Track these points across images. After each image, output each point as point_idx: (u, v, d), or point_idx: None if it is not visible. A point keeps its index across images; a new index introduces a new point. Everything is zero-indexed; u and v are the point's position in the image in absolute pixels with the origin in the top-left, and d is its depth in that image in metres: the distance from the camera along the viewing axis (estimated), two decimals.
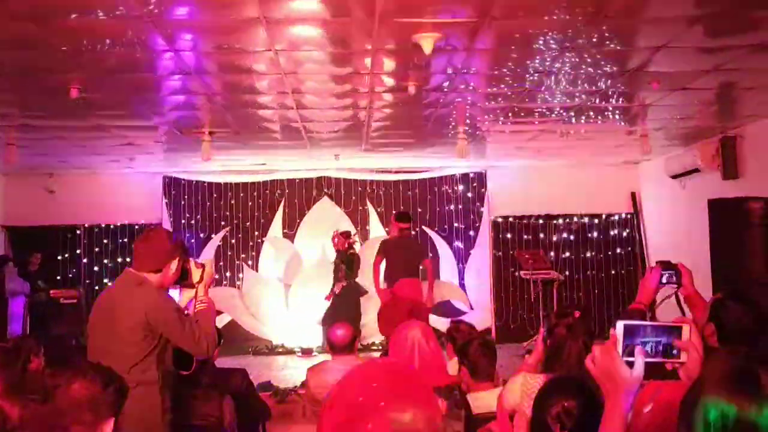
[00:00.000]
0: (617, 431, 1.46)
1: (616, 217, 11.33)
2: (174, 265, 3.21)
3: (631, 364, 1.49)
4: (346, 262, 9.94)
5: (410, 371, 1.45)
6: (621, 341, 1.53)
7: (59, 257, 10.99)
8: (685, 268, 2.88)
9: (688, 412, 1.12)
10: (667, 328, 1.56)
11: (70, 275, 10.97)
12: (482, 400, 3.26)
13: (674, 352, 1.55)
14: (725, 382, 1.10)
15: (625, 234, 11.32)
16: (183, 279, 3.27)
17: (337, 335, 4.38)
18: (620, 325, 1.54)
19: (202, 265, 3.35)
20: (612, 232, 11.32)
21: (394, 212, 9.76)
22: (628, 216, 11.32)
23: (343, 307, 9.71)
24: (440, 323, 9.88)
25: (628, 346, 1.52)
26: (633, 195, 11.28)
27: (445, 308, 10.92)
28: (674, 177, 9.71)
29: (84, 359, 2.84)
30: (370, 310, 10.73)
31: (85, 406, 2.12)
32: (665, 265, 2.89)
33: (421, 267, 9.15)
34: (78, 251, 11.08)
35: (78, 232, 11.09)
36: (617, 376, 1.48)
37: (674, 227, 10.08)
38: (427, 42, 4.58)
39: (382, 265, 8.92)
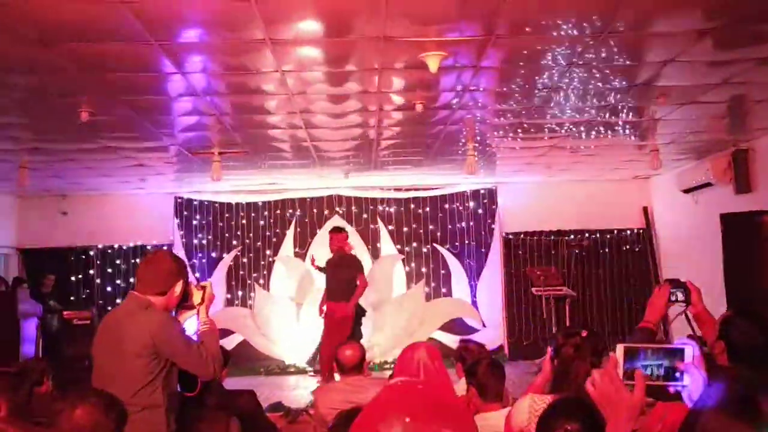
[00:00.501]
0: None
1: (628, 233, 11.24)
2: (178, 287, 3.20)
3: (632, 388, 1.46)
4: None
5: (446, 400, 1.29)
6: (621, 364, 1.50)
7: (72, 278, 11.04)
8: (693, 285, 2.83)
9: None
10: (669, 351, 1.53)
11: (84, 296, 11.00)
12: (490, 421, 3.22)
13: (677, 375, 1.52)
14: (723, 407, 1.07)
15: (637, 249, 11.22)
16: (184, 301, 3.26)
17: (345, 355, 4.34)
18: (620, 348, 1.51)
19: (203, 287, 3.34)
20: (624, 248, 11.23)
21: (336, 227, 9.57)
22: (641, 231, 11.23)
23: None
24: (451, 341, 9.84)
25: (628, 370, 1.49)
26: (645, 210, 11.20)
27: (457, 326, 10.86)
28: (686, 191, 9.64)
29: (89, 384, 2.83)
30: (385, 327, 10.72)
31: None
32: (674, 283, 2.84)
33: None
34: (91, 272, 11.12)
35: (91, 253, 11.13)
36: (617, 400, 1.44)
37: (687, 242, 9.98)
38: (432, 61, 4.59)
39: None
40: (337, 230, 8.97)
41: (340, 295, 8.56)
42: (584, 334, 2.92)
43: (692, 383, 1.49)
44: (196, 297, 3.30)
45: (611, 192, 11.00)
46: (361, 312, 9.61)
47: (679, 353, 1.53)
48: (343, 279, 8.68)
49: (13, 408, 2.70)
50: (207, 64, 4.98)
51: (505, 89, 5.79)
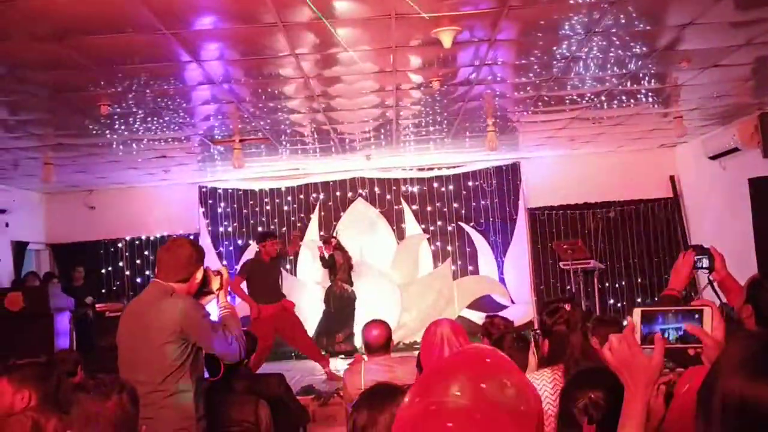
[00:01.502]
0: (637, 422, 1.40)
1: (656, 203, 11.06)
2: (200, 273, 3.24)
3: (651, 353, 1.43)
4: (329, 266, 10.19)
5: (513, 381, 1.17)
6: (639, 329, 1.47)
7: (103, 271, 11.20)
8: (717, 251, 2.77)
9: (706, 398, 1.07)
10: (687, 313, 1.50)
11: (114, 288, 11.15)
12: None
13: (696, 337, 1.49)
14: (743, 366, 1.04)
15: (665, 219, 11.06)
16: (203, 287, 3.30)
17: (372, 335, 4.32)
18: (637, 312, 1.48)
19: (219, 272, 3.38)
20: (652, 218, 11.06)
21: (268, 233, 9.29)
22: (668, 200, 11.06)
23: (329, 313, 9.87)
24: (480, 319, 9.81)
25: (646, 334, 1.47)
26: (672, 179, 11.02)
27: (485, 303, 10.83)
28: (713, 158, 9.47)
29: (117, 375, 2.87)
30: (413, 307, 10.74)
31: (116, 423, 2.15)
32: (698, 249, 2.79)
33: None
34: (120, 264, 11.27)
35: (120, 245, 11.27)
36: (635, 365, 1.42)
37: (716, 209, 9.83)
38: (446, 36, 4.54)
39: None
40: (272, 237, 8.86)
41: (278, 295, 8.63)
42: (568, 307, 2.93)
43: (706, 345, 1.46)
44: (215, 283, 3.33)
45: (636, 162, 10.82)
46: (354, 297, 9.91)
47: (697, 314, 1.50)
48: (276, 280, 8.79)
49: (42, 397, 2.75)
50: (221, 51, 4.98)
51: (523, 62, 5.71)
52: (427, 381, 1.21)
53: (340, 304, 10.11)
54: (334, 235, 10.56)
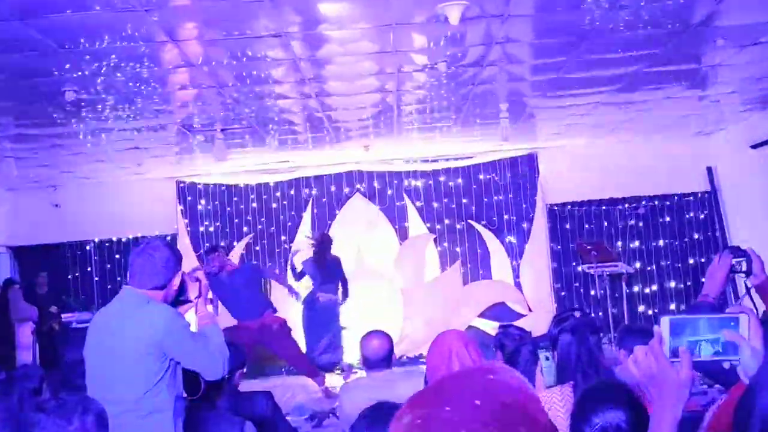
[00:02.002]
0: None
1: (691, 197, 11.07)
2: (177, 279, 3.26)
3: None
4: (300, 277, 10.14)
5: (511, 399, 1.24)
6: (668, 340, 1.48)
7: (69, 277, 11.21)
8: (755, 254, 2.78)
9: (743, 416, 1.08)
10: (721, 321, 1.51)
11: (83, 296, 11.16)
12: None
13: (735, 347, 1.49)
14: None
15: (702, 216, 11.06)
16: (180, 294, 3.31)
17: (372, 347, 4.27)
18: (665, 321, 1.49)
19: (197, 279, 3.39)
20: (687, 215, 11.07)
21: (210, 246, 9.40)
22: (705, 195, 11.07)
23: (308, 322, 9.84)
24: (493, 330, 9.83)
25: (677, 347, 1.47)
26: (709, 170, 11.03)
27: (499, 312, 10.83)
28: (755, 147, 9.48)
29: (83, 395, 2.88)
30: (418, 316, 10.74)
31: None
32: (735, 251, 2.80)
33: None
34: (89, 269, 11.28)
35: (88, 248, 11.29)
36: (662, 379, 1.43)
37: (758, 204, 9.83)
38: (453, 11, 4.55)
39: None
40: (213, 251, 8.77)
41: (256, 310, 8.61)
42: (577, 314, 2.98)
43: (744, 356, 1.46)
44: (193, 290, 3.34)
45: (669, 152, 10.79)
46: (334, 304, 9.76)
47: (733, 322, 1.50)
48: (245, 293, 8.61)
49: (3, 417, 2.77)
50: (200, 29, 4.99)
51: (540, 40, 5.72)
52: (422, 394, 1.26)
53: (312, 312, 9.99)
54: (310, 236, 10.50)
